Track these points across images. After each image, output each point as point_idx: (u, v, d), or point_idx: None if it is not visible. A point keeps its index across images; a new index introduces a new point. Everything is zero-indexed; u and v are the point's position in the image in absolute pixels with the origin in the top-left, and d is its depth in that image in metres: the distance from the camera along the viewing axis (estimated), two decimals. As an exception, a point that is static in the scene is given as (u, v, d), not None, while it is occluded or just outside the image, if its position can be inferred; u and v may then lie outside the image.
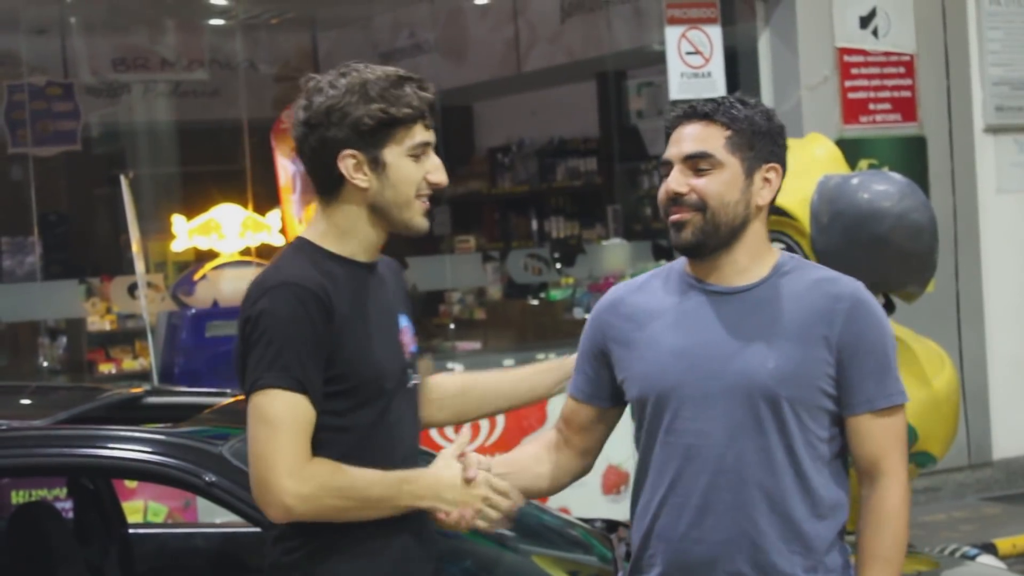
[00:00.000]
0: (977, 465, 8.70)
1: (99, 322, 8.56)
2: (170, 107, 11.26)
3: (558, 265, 10.38)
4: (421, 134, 2.83)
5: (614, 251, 10.27)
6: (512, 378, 3.36)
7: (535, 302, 10.40)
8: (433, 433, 7.61)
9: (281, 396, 2.72)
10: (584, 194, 12.32)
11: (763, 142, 2.92)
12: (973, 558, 6.04)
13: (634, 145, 11.68)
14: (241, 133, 9.18)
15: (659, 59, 8.35)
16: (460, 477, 2.85)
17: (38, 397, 4.85)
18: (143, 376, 8.12)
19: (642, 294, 2.98)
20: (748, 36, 8.54)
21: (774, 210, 6.01)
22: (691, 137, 2.86)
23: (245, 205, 8.88)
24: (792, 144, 6.63)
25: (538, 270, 10.44)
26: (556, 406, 8.22)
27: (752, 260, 2.90)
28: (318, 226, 2.89)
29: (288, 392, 2.72)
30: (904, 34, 8.52)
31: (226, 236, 8.65)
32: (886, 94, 8.51)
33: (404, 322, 2.96)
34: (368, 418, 2.82)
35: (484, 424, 7.79)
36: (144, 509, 6.84)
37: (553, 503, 7.25)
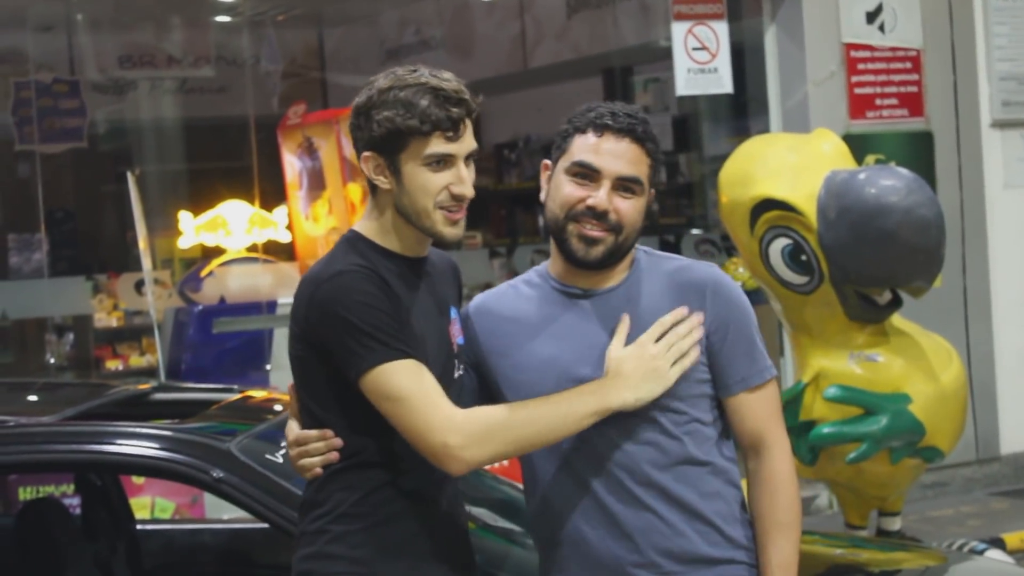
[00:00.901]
0: (985, 460, 8.69)
1: (106, 319, 8.56)
2: (176, 104, 11.26)
3: (564, 261, 10.33)
4: (439, 146, 2.79)
5: (621, 247, 10.24)
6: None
7: (542, 298, 10.38)
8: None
9: (395, 368, 2.72)
10: (591, 190, 12.30)
11: (658, 170, 2.97)
12: (981, 553, 6.04)
13: (640, 141, 11.64)
14: (248, 130, 9.19)
15: (665, 55, 8.34)
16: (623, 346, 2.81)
17: (45, 394, 4.86)
18: (150, 372, 8.13)
19: (507, 302, 3.01)
20: (754, 32, 8.52)
21: (781, 205, 6.05)
22: (628, 158, 2.89)
23: (252, 201, 8.88)
24: (799, 140, 6.68)
25: (544, 266, 10.40)
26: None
27: (615, 266, 2.94)
28: (367, 218, 2.91)
29: (399, 362, 2.72)
30: (911, 29, 8.51)
31: (233, 232, 8.66)
32: (893, 89, 8.50)
33: (454, 314, 2.97)
34: None
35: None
36: (152, 505, 6.85)
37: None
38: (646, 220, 2.95)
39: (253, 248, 8.77)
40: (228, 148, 10.38)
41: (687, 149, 11.62)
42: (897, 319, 5.84)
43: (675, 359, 2.83)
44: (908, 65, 8.52)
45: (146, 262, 7.80)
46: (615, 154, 2.87)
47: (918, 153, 8.42)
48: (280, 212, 8.82)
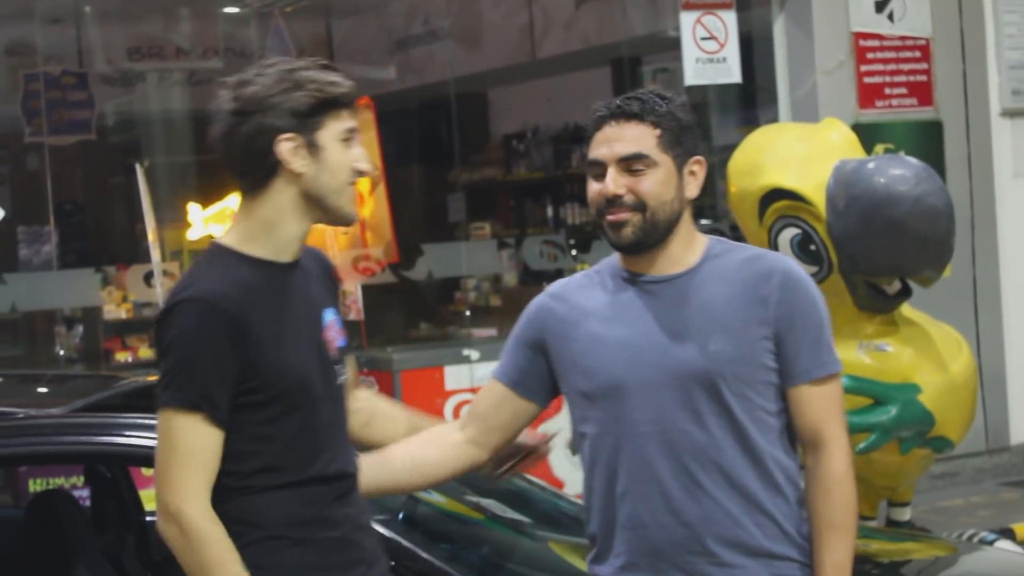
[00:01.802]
0: (995, 450, 8.68)
1: (115, 311, 8.57)
2: (185, 96, 11.26)
3: (573, 251, 10.37)
4: (349, 119, 2.84)
5: (629, 237, 10.24)
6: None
7: (551, 289, 10.38)
8: (450, 420, 7.63)
9: (178, 417, 2.71)
10: (599, 180, 12.29)
11: (688, 136, 2.97)
12: (991, 543, 6.03)
13: (649, 131, 11.63)
14: (256, 121, 9.16)
15: (674, 45, 8.33)
16: None
17: (55, 385, 4.87)
18: (159, 364, 8.13)
19: (582, 290, 3.04)
20: (763, 21, 8.51)
21: (790, 195, 6.04)
22: (623, 138, 2.91)
23: (260, 193, 8.88)
24: (808, 129, 6.67)
25: (554, 256, 10.44)
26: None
27: (684, 249, 2.97)
28: (239, 227, 2.84)
29: (184, 413, 2.70)
30: (920, 18, 8.49)
31: (241, 224, 8.66)
32: (902, 78, 8.48)
33: (330, 316, 2.93)
34: (295, 425, 2.79)
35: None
36: (161, 497, 6.85)
37: (570, 489, 7.26)
38: (681, 191, 2.94)
39: (262, 239, 8.76)
40: (237, 139, 10.36)
41: (696, 139, 11.59)
42: (906, 309, 5.83)
43: None
44: (917, 54, 8.51)
45: (155, 254, 7.81)
46: (611, 139, 2.91)
47: (927, 142, 8.41)
48: (289, 203, 8.81)
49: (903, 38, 8.46)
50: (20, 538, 4.51)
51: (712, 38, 7.96)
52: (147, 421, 3.65)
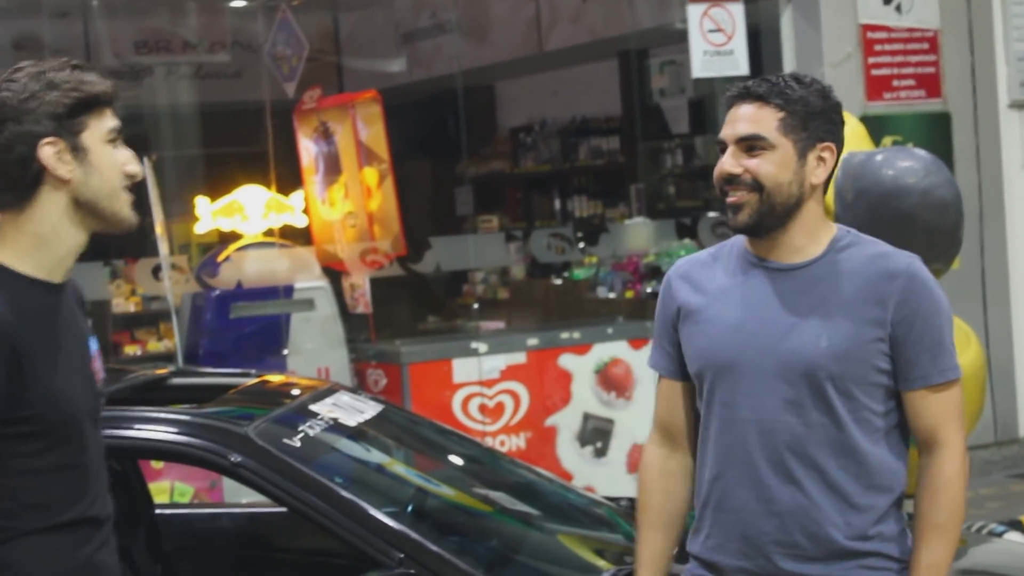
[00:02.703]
0: (1003, 442, 8.68)
1: (124, 304, 8.57)
2: (192, 89, 11.27)
3: (581, 244, 10.36)
4: (112, 119, 2.68)
5: (637, 230, 10.26)
6: None
7: (559, 281, 10.40)
8: (458, 413, 7.63)
9: None
10: (607, 173, 12.31)
11: (817, 122, 2.91)
12: (1000, 535, 6.03)
13: (656, 124, 11.65)
14: (263, 115, 9.17)
15: (681, 37, 8.32)
16: None
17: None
18: (168, 357, 8.15)
19: (706, 269, 3.03)
20: (770, 13, 8.50)
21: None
22: (745, 118, 2.90)
23: (268, 186, 8.88)
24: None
25: (561, 249, 10.42)
26: (581, 383, 8.19)
27: (808, 238, 2.93)
28: (10, 245, 2.62)
29: None
30: (928, 10, 8.48)
31: (249, 217, 8.66)
32: (910, 70, 8.47)
33: (95, 346, 2.78)
34: (62, 458, 2.61)
35: (509, 404, 7.80)
36: (170, 490, 6.87)
37: (578, 482, 7.27)
38: (803, 176, 2.90)
39: (270, 233, 8.78)
40: (244, 133, 10.38)
41: (703, 131, 11.59)
42: (915, 301, 5.82)
43: None
44: (925, 46, 8.50)
45: (163, 247, 7.82)
46: (734, 120, 2.91)
47: (936, 134, 8.40)
48: (296, 197, 8.82)
49: (911, 30, 8.45)
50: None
51: (719, 30, 7.95)
52: (156, 414, 3.67)
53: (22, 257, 2.62)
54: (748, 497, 2.90)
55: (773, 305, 2.91)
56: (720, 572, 2.96)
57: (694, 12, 7.87)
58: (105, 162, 2.64)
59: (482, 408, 7.70)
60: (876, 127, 7.48)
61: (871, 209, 5.40)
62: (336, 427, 3.97)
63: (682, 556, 3.15)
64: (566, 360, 7.94)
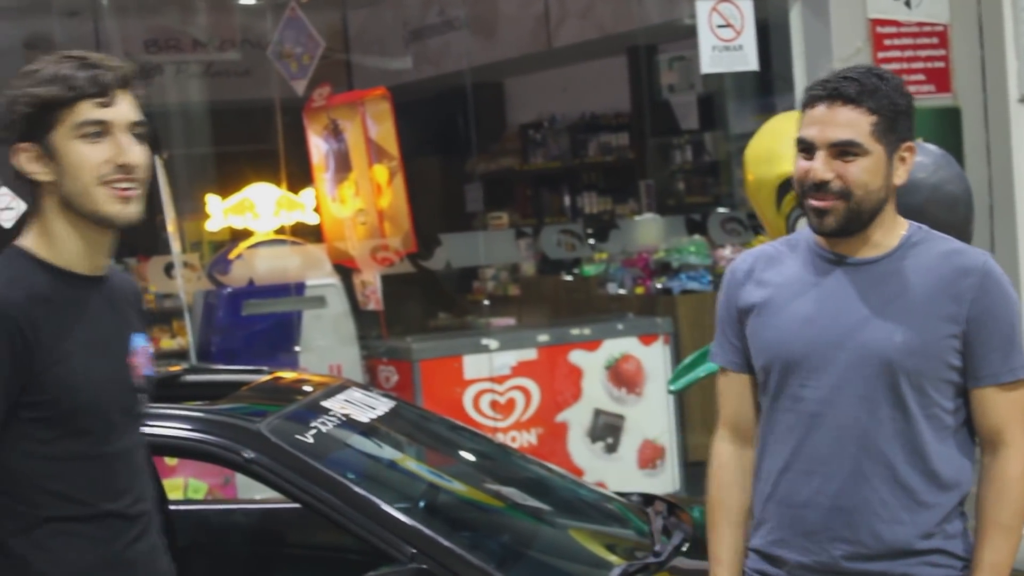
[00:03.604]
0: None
1: (135, 302, 8.60)
2: (203, 88, 11.29)
3: (591, 240, 10.39)
4: (90, 112, 2.60)
5: (647, 226, 10.27)
6: None
7: (569, 278, 10.41)
8: (469, 409, 7.65)
9: None
10: (616, 169, 12.32)
11: (902, 121, 2.90)
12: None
13: (666, 119, 11.65)
14: (274, 112, 9.20)
15: (690, 33, 8.31)
16: None
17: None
18: (181, 355, 8.17)
19: (772, 262, 3.00)
20: (779, 8, 8.49)
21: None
22: (838, 122, 2.83)
23: (279, 184, 8.91)
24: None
25: (571, 246, 10.45)
26: (591, 379, 8.17)
27: (883, 234, 2.92)
28: (36, 234, 2.68)
29: None
30: (937, 4, 8.47)
31: (260, 215, 8.69)
32: (919, 65, 8.46)
33: (139, 343, 2.78)
34: (82, 447, 2.62)
35: (520, 400, 7.81)
36: (184, 486, 6.89)
37: (589, 478, 7.28)
38: (889, 178, 2.89)
39: (281, 230, 8.80)
40: (254, 131, 10.40)
41: (713, 127, 11.60)
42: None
43: None
44: (935, 41, 8.49)
45: (175, 245, 7.84)
46: (824, 121, 2.84)
47: (945, 129, 8.39)
48: (307, 194, 8.85)
49: (920, 24, 8.44)
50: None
51: (728, 26, 7.95)
52: (170, 411, 3.68)
53: (42, 248, 2.65)
54: (815, 492, 2.88)
55: (845, 298, 2.89)
56: (781, 566, 2.94)
57: (703, 7, 7.87)
58: (72, 160, 2.61)
59: (493, 404, 7.71)
60: (885, 122, 7.48)
61: (881, 204, 5.41)
62: (348, 423, 3.99)
63: (700, 552, 3.14)
64: (577, 356, 7.95)
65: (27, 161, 2.63)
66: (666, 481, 7.97)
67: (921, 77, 8.45)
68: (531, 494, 4.34)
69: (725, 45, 7.94)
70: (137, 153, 2.63)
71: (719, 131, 11.57)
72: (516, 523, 4.10)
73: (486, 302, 10.07)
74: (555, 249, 10.03)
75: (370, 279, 8.28)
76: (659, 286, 9.14)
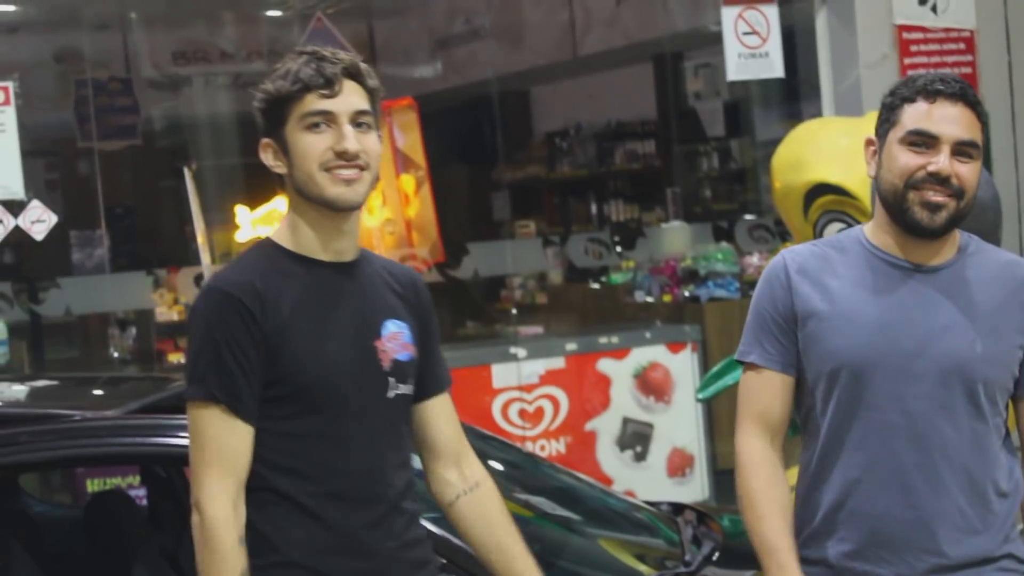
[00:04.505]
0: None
1: (167, 312, 8.63)
2: (231, 99, 11.33)
3: (618, 248, 10.38)
4: (314, 103, 2.74)
5: (674, 233, 10.26)
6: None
7: (596, 286, 10.41)
8: (498, 418, 7.66)
9: (197, 410, 2.70)
10: (643, 177, 12.31)
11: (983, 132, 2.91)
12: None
13: (692, 127, 11.65)
14: (301, 123, 9.25)
15: (716, 40, 8.32)
16: None
17: (110, 387, 4.92)
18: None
19: (825, 263, 2.95)
20: (805, 15, 8.49)
21: (835, 190, 6.03)
22: (963, 122, 2.86)
23: (307, 194, 8.95)
24: (852, 123, 6.66)
25: (598, 254, 10.44)
26: (620, 387, 8.15)
27: (945, 242, 2.92)
28: (282, 223, 2.85)
29: (203, 406, 2.68)
30: (964, 10, 8.45)
31: (289, 226, 8.72)
32: (946, 71, 8.45)
33: (393, 327, 2.83)
34: (315, 426, 2.71)
35: (548, 408, 7.81)
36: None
37: (618, 486, 7.29)
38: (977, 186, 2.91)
39: (309, 240, 8.83)
40: (282, 141, 10.43)
41: (739, 134, 11.59)
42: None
43: None
44: (961, 46, 8.47)
45: (205, 256, 7.87)
46: (950, 119, 2.84)
47: (973, 134, 8.37)
48: (335, 204, 8.87)
49: (947, 30, 8.43)
50: (79, 537, 4.57)
51: (754, 33, 7.95)
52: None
53: (286, 237, 2.79)
54: (894, 503, 2.85)
55: (917, 306, 2.87)
56: None
57: (728, 15, 7.87)
58: (299, 150, 2.75)
59: (522, 413, 7.72)
60: (912, 128, 7.46)
61: (908, 211, 5.40)
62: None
63: (730, 561, 3.13)
64: (605, 364, 7.95)
65: (269, 156, 2.80)
66: (695, 489, 7.96)
67: (948, 83, 8.44)
68: (560, 503, 4.34)
69: (751, 52, 7.94)
70: (357, 140, 2.73)
71: (745, 138, 11.55)
72: (545, 533, 4.11)
73: (514, 311, 10.08)
74: (582, 257, 10.02)
75: (398, 289, 8.30)
76: (687, 294, 9.14)
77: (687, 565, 3.78)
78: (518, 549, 2.99)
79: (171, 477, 4.69)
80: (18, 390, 4.47)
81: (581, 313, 10.20)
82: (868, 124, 6.03)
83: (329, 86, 2.74)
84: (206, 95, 11.10)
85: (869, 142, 2.98)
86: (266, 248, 2.80)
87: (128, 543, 4.34)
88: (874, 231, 2.96)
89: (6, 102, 6.31)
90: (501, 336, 9.27)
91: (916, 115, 2.86)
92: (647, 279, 9.61)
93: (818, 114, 8.33)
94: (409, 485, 2.84)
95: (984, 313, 2.86)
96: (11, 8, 9.28)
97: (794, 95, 10.23)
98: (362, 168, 2.74)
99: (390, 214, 8.59)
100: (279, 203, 8.82)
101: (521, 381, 7.72)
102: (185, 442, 3.61)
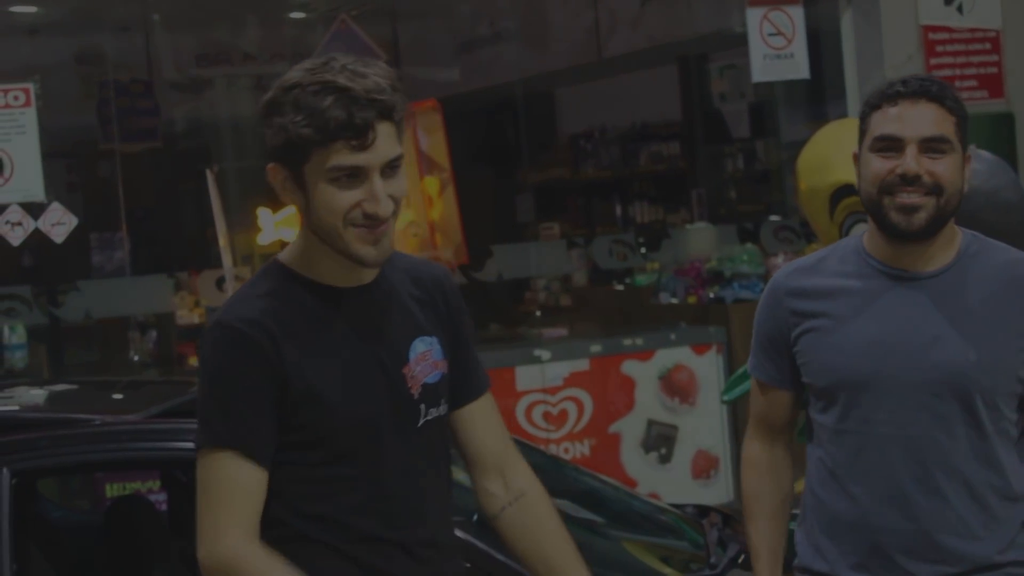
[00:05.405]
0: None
1: (188, 316, 8.63)
2: (253, 101, 11.32)
3: (643, 250, 10.34)
4: (343, 157, 2.40)
5: (699, 235, 10.22)
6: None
7: (621, 287, 10.37)
8: (522, 421, 7.63)
9: (205, 457, 2.46)
10: (668, 178, 12.28)
11: (967, 127, 2.88)
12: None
13: (717, 128, 11.61)
14: (324, 125, 9.24)
15: (741, 41, 8.28)
16: None
17: (130, 392, 4.92)
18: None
19: (818, 276, 2.94)
20: (830, 16, 8.45)
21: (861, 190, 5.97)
22: (927, 119, 2.82)
23: (329, 197, 8.94)
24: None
25: (623, 255, 10.40)
26: (644, 389, 8.14)
27: (943, 246, 2.87)
28: (293, 245, 2.58)
29: (212, 452, 2.44)
30: (989, 10, 8.40)
31: (311, 228, 8.72)
32: (972, 71, 8.39)
33: (422, 346, 2.60)
34: (343, 472, 2.48)
35: (572, 411, 7.79)
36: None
37: (643, 489, 7.25)
38: (962, 183, 2.88)
39: (331, 243, 8.82)
40: (305, 144, 10.43)
41: (764, 136, 11.54)
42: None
43: None
44: (987, 46, 8.41)
45: (226, 259, 7.85)
46: (912, 118, 2.82)
47: (999, 135, 8.31)
48: (358, 207, 8.86)
49: (972, 30, 8.37)
50: (99, 542, 4.56)
51: (779, 34, 7.91)
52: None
53: (298, 260, 2.54)
54: (893, 516, 2.83)
55: (910, 317, 2.83)
56: None
57: (753, 16, 7.83)
58: (320, 202, 2.44)
59: (546, 415, 7.69)
60: (939, 128, 7.41)
61: (935, 211, 5.35)
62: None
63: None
64: (629, 366, 7.92)
65: (278, 183, 2.49)
66: (720, 491, 7.92)
67: (974, 83, 8.38)
68: (585, 506, 4.32)
69: (776, 53, 7.89)
70: (387, 201, 2.44)
71: (770, 139, 11.51)
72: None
73: (538, 313, 10.05)
74: (607, 259, 9.98)
75: (421, 291, 8.27)
76: (712, 295, 9.10)
77: (712, 568, 3.75)
78: (566, 563, 2.82)
79: (191, 481, 4.67)
80: (37, 394, 4.46)
81: (605, 315, 10.16)
82: (895, 124, 6.01)
83: (361, 136, 2.40)
84: (228, 97, 11.10)
85: (854, 155, 2.95)
86: (276, 274, 2.53)
87: (148, 549, 4.32)
88: (870, 239, 2.94)
89: (27, 104, 6.31)
90: (525, 338, 9.23)
91: (880, 120, 2.84)
92: (672, 280, 9.57)
93: (843, 115, 8.28)
94: (445, 511, 2.67)
95: (981, 319, 2.81)
96: (33, 10, 9.29)
97: (819, 96, 10.18)
98: (389, 221, 2.47)
99: (414, 216, 8.57)
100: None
101: (545, 383, 7.69)
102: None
